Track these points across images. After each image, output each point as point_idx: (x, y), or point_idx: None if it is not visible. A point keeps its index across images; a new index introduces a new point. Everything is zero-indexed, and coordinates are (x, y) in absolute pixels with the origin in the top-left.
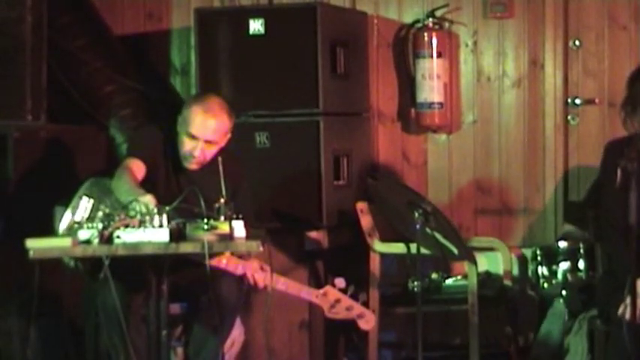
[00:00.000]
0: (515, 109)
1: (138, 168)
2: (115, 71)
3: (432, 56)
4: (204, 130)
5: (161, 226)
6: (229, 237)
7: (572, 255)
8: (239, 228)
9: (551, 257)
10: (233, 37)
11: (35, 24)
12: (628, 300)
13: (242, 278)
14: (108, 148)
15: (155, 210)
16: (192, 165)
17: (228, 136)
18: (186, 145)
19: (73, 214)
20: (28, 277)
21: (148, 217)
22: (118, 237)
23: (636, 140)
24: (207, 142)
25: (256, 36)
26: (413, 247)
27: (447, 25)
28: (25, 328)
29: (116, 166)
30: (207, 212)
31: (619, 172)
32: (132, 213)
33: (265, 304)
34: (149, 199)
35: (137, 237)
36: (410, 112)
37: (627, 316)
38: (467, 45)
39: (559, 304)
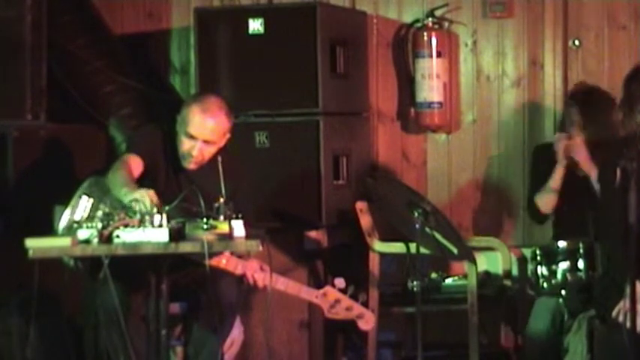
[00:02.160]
0: (514, 108)
1: (135, 164)
2: (115, 70)
3: (431, 56)
4: (203, 130)
5: (161, 225)
6: (229, 237)
7: (571, 255)
8: (238, 227)
9: (550, 257)
10: (232, 36)
11: (35, 23)
12: (622, 303)
13: (241, 278)
14: (107, 148)
15: (154, 208)
16: (190, 165)
17: (227, 136)
18: (185, 144)
19: (73, 213)
20: (28, 276)
21: (146, 216)
22: (118, 236)
23: (635, 140)
24: (206, 142)
25: (256, 35)
26: (412, 246)
27: (446, 24)
28: (25, 327)
29: None
30: (207, 212)
31: (618, 171)
32: (130, 213)
33: (265, 304)
34: (151, 194)
35: (136, 236)
36: (409, 112)
37: (621, 318)
38: (466, 45)
39: (545, 298)
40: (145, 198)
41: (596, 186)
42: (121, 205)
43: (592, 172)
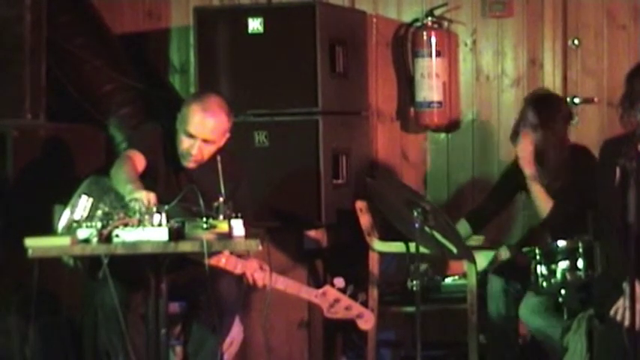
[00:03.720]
0: (514, 108)
1: (138, 160)
2: (115, 70)
3: (430, 55)
4: (202, 129)
5: (160, 224)
6: (228, 236)
7: (571, 254)
8: (238, 227)
9: (550, 256)
10: (232, 35)
11: (34, 23)
12: (621, 302)
13: (241, 277)
14: (107, 147)
15: (153, 208)
16: (190, 163)
17: (227, 135)
18: (184, 143)
19: (72, 212)
20: (27, 276)
21: (145, 215)
22: (117, 236)
23: (635, 138)
24: (205, 141)
25: (255, 35)
26: (412, 246)
27: (445, 24)
28: (24, 327)
29: None
30: (206, 211)
31: (617, 170)
32: (131, 213)
33: (264, 304)
34: (151, 197)
35: (136, 236)
36: (409, 111)
37: (619, 317)
38: (466, 44)
39: (494, 280)
40: (144, 200)
41: (530, 183)
42: (120, 203)
43: (528, 169)
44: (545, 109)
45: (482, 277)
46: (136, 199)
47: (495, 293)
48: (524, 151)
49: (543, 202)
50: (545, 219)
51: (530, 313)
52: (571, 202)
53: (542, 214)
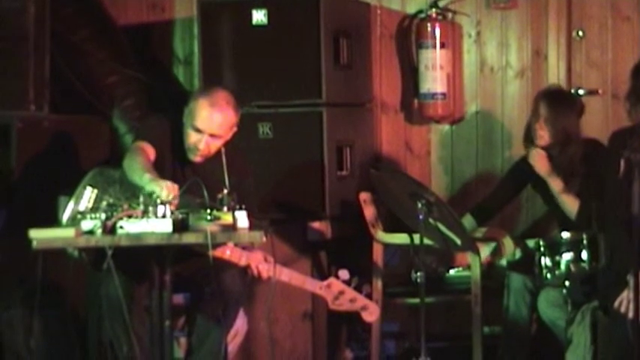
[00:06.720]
0: (518, 99)
1: (149, 151)
2: (118, 62)
3: (435, 47)
4: (210, 123)
5: (164, 216)
6: (232, 228)
7: (575, 246)
8: (242, 219)
9: (554, 248)
10: (236, 27)
11: (38, 15)
12: (625, 294)
13: (245, 269)
14: (111, 139)
15: (171, 197)
16: (196, 157)
17: (234, 130)
18: (192, 137)
19: (77, 204)
20: (32, 267)
21: (165, 205)
22: (121, 227)
23: None
24: (212, 135)
25: (259, 26)
26: (416, 237)
27: (450, 15)
28: (29, 319)
29: (119, 156)
30: (211, 203)
31: (622, 162)
32: (153, 197)
33: (268, 295)
34: (171, 187)
35: (140, 227)
36: (413, 103)
37: (623, 309)
38: (470, 35)
39: (514, 276)
40: (164, 190)
41: (554, 188)
42: (125, 195)
43: (549, 178)
44: (558, 103)
45: (501, 273)
46: (160, 188)
47: (515, 289)
48: (539, 167)
49: (570, 204)
50: (576, 219)
51: (548, 306)
52: (595, 195)
53: (571, 215)
